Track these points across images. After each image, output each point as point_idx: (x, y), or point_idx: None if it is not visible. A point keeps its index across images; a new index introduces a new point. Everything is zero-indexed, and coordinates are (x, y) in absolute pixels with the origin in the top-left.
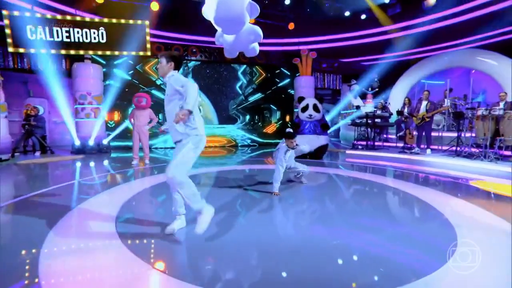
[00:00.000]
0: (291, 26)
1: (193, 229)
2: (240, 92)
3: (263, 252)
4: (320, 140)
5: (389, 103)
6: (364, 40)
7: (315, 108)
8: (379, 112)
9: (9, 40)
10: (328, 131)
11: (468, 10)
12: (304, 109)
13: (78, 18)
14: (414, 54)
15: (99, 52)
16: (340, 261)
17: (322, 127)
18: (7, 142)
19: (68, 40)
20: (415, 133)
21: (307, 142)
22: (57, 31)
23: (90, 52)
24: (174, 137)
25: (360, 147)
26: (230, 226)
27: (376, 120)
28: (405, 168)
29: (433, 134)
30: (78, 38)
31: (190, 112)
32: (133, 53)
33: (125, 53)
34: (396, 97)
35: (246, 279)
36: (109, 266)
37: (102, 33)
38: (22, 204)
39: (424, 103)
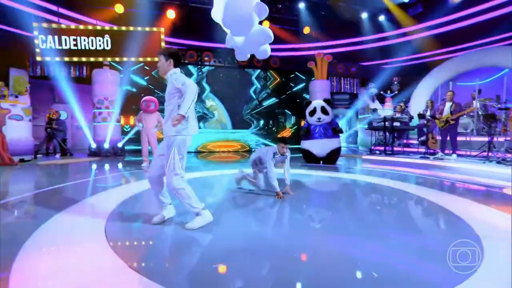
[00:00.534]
0: (306, 30)
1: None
2: (254, 96)
3: (269, 260)
4: (332, 144)
5: (409, 106)
6: (383, 42)
7: (323, 110)
8: (398, 115)
9: (37, 50)
10: (341, 135)
11: (498, 6)
12: (312, 113)
13: (98, 28)
14: (436, 55)
15: (117, 59)
16: (358, 275)
17: (333, 131)
18: (30, 144)
19: (92, 47)
20: (438, 137)
21: (319, 147)
22: (79, 39)
23: (108, 59)
24: (166, 132)
25: (378, 152)
26: (233, 228)
27: (395, 123)
28: (426, 175)
29: (459, 138)
30: (100, 45)
31: (184, 117)
32: (148, 59)
33: (140, 59)
34: (419, 99)
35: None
36: (84, 259)
37: (120, 40)
38: (33, 198)
39: (448, 104)
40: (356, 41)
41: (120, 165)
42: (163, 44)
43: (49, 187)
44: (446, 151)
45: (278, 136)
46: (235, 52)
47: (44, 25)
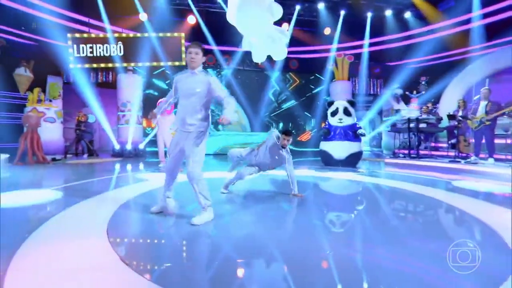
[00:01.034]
0: (327, 31)
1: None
2: (273, 99)
3: (275, 262)
4: (352, 147)
5: (438, 107)
6: (409, 41)
7: (346, 111)
8: (424, 116)
9: (70, 58)
10: (363, 138)
11: None
12: (334, 113)
13: (123, 35)
14: (467, 53)
15: (140, 64)
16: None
17: (355, 134)
18: (60, 144)
19: (121, 54)
20: (471, 140)
21: (339, 149)
22: (109, 47)
23: (132, 64)
24: (184, 127)
25: (401, 155)
26: (237, 229)
27: (421, 125)
28: (456, 180)
29: (498, 141)
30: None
31: (229, 121)
32: (169, 63)
33: (162, 63)
34: (449, 99)
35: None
36: (83, 253)
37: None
38: (64, 190)
39: (483, 103)
40: (379, 40)
41: (137, 165)
42: (183, 48)
43: (72, 183)
44: (481, 155)
45: (285, 129)
46: (252, 55)
47: (77, 35)
